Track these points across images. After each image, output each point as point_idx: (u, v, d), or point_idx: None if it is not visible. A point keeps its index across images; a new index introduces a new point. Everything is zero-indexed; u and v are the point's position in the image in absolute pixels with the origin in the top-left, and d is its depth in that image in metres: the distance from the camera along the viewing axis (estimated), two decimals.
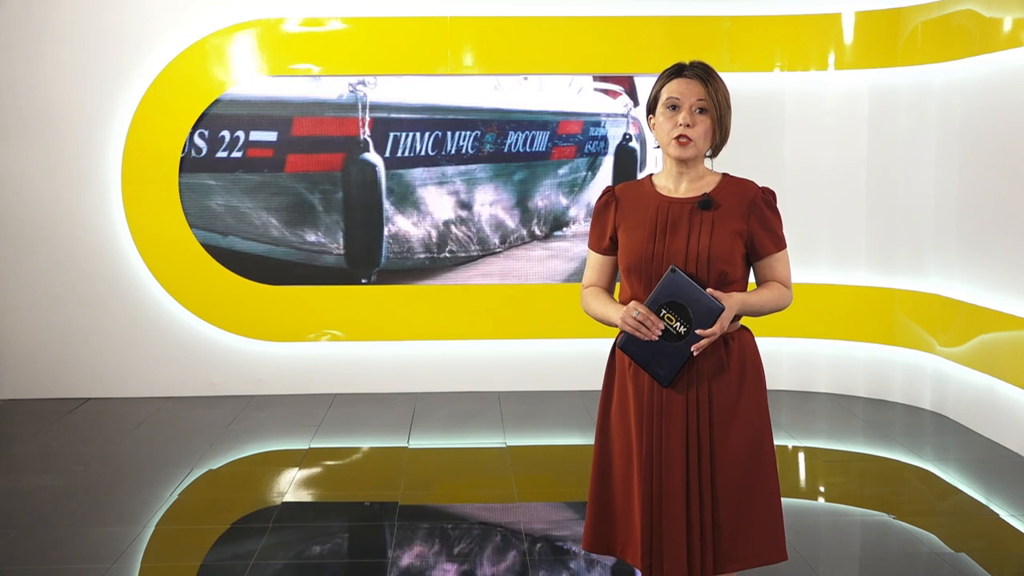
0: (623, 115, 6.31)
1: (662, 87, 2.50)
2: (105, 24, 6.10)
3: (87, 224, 6.21)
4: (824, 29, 6.14)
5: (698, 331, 2.38)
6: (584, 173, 6.36)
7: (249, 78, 6.16)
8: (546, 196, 6.38)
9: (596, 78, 6.32)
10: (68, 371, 6.30)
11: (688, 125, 2.43)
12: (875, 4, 6.00)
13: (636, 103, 6.31)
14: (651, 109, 2.54)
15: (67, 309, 6.25)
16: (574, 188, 6.36)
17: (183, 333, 6.32)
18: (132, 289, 6.26)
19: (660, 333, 2.41)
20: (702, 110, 2.45)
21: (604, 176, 6.39)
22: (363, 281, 6.34)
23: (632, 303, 2.44)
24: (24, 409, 6.08)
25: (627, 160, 6.39)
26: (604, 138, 6.36)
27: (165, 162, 6.18)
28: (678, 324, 2.40)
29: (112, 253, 6.23)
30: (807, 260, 6.18)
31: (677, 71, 2.49)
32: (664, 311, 2.40)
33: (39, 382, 6.30)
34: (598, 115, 6.35)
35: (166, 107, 6.14)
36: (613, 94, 6.31)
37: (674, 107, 2.46)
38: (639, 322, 2.41)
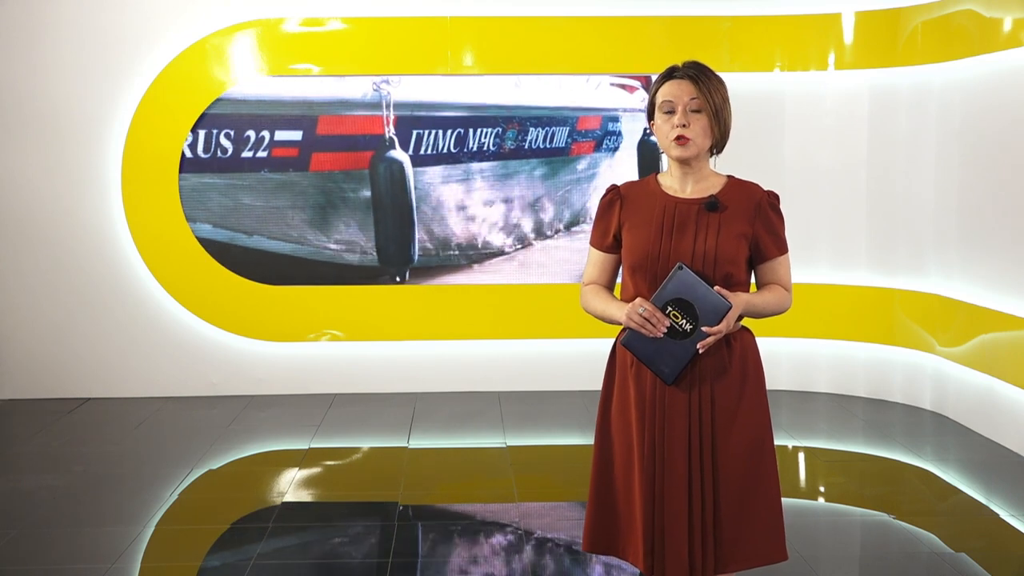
0: (641, 110, 6.31)
1: (656, 92, 2.51)
2: (105, 24, 6.10)
3: (87, 224, 6.21)
4: (824, 29, 6.14)
5: (704, 329, 2.38)
6: (603, 168, 6.37)
7: (250, 78, 6.16)
8: (567, 192, 6.38)
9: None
10: (68, 371, 6.30)
11: (684, 125, 2.44)
12: (875, 4, 6.00)
13: None
14: (650, 115, 2.55)
15: (67, 309, 6.25)
16: (592, 183, 6.37)
17: (183, 333, 6.32)
18: (132, 289, 6.26)
19: (665, 330, 2.40)
20: (697, 109, 2.46)
21: (626, 171, 6.38)
22: (397, 280, 6.35)
23: (638, 299, 2.44)
24: (24, 409, 6.08)
25: (650, 154, 6.38)
26: (622, 133, 6.37)
27: (165, 162, 6.18)
28: (684, 321, 2.39)
29: (112, 253, 6.23)
30: (807, 260, 6.17)
31: (669, 74, 2.51)
32: (670, 308, 2.40)
33: (39, 382, 6.30)
34: (615, 110, 6.35)
35: (166, 107, 6.14)
36: (630, 89, 6.32)
37: (670, 111, 2.47)
38: (645, 318, 2.41)
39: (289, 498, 4.47)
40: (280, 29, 6.20)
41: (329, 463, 5.07)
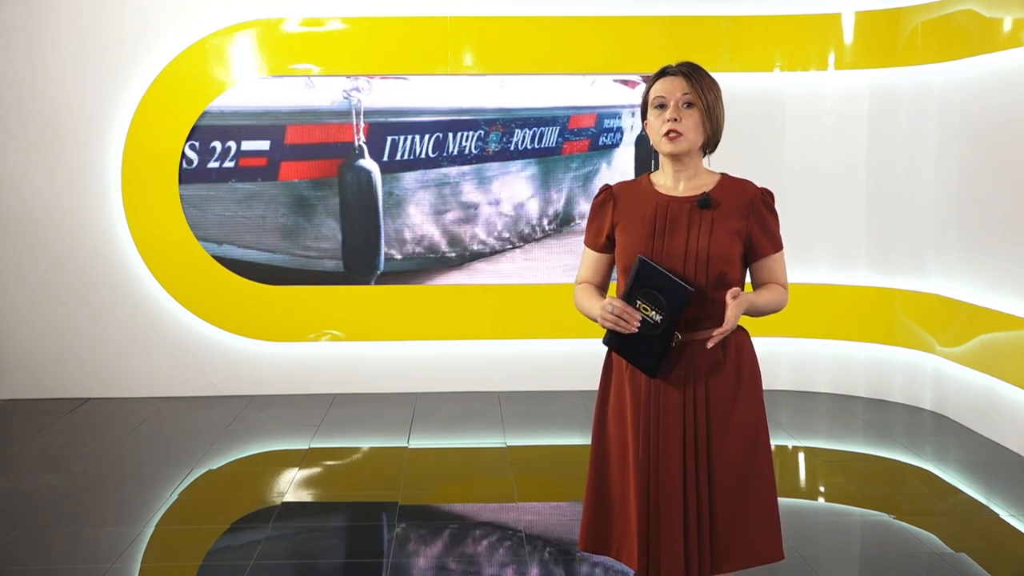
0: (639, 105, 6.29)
1: (649, 90, 2.52)
2: (105, 24, 6.10)
3: (87, 224, 6.21)
4: (824, 29, 6.14)
5: (714, 333, 2.36)
6: (598, 165, 6.34)
7: (248, 79, 6.16)
8: (558, 193, 6.36)
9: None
10: (68, 371, 6.30)
11: (676, 120, 2.44)
12: (875, 4, 6.00)
13: None
14: (644, 114, 2.55)
15: (67, 309, 6.25)
16: (588, 182, 6.34)
17: (183, 333, 6.32)
18: (132, 289, 6.26)
19: (639, 325, 2.41)
20: (689, 104, 2.46)
21: (623, 168, 6.36)
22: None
23: (608, 298, 2.45)
24: (24, 409, 6.08)
25: (647, 150, 6.36)
26: (620, 129, 6.34)
27: (165, 162, 6.18)
28: (654, 313, 2.40)
29: (112, 253, 6.23)
30: (807, 260, 6.17)
31: (662, 72, 2.52)
32: (639, 302, 2.41)
33: (39, 382, 6.30)
34: (613, 107, 6.33)
35: (166, 107, 6.14)
36: (631, 84, 6.30)
37: (661, 106, 2.48)
38: (617, 315, 2.41)
39: (289, 498, 4.47)
40: (280, 29, 6.20)
41: (329, 463, 5.07)
